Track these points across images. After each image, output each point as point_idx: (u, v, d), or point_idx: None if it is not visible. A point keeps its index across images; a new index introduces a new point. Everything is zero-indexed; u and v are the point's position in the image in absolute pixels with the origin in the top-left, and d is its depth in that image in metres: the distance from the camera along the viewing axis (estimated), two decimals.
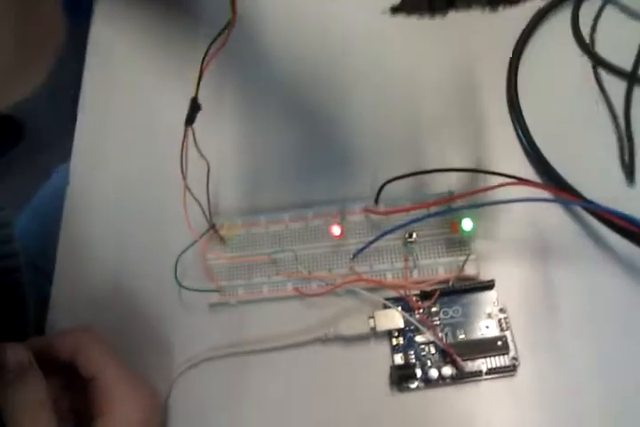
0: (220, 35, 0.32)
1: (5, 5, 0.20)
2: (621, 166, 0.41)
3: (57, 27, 0.23)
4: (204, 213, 0.40)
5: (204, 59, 0.33)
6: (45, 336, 0.41)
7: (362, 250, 0.40)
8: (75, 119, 0.49)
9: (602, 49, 0.44)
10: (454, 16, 0.39)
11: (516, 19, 0.44)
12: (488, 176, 0.40)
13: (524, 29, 0.44)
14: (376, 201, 0.41)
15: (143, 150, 0.47)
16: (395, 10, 0.32)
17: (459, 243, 0.40)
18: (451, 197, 0.40)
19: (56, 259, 0.45)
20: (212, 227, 0.42)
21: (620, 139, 0.41)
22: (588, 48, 0.44)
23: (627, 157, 0.40)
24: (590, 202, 0.38)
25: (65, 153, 0.48)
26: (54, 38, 0.23)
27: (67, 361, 0.36)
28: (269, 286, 0.41)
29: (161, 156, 0.45)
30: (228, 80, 0.48)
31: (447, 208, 0.39)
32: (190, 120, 0.36)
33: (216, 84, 0.45)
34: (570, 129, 0.43)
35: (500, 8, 0.31)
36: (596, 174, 0.40)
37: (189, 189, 0.38)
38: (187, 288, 0.41)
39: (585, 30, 0.44)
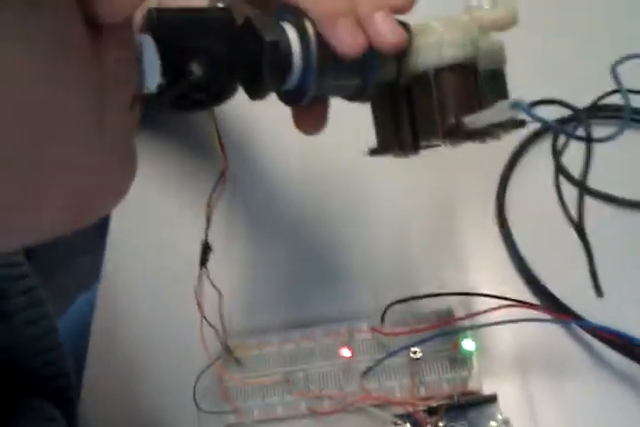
0: (218, 181, 0.36)
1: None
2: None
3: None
4: (219, 337, 0.44)
5: (209, 204, 0.37)
6: None
7: (371, 369, 0.43)
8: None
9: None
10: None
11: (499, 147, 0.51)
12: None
13: (510, 158, 0.50)
14: (382, 321, 0.45)
15: (162, 282, 0.51)
16: (373, 152, 0.35)
17: (461, 360, 0.43)
18: (452, 317, 0.44)
19: (83, 375, 0.47)
20: (227, 349, 0.45)
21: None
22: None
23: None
24: (584, 320, 0.42)
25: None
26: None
27: None
28: (283, 405, 0.43)
29: (177, 286, 0.48)
30: (235, 217, 0.53)
31: (450, 329, 0.43)
32: (203, 262, 0.40)
33: (225, 219, 0.51)
34: (553, 249, 0.47)
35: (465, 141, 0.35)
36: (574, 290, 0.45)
37: (205, 318, 0.42)
38: (205, 411, 0.43)
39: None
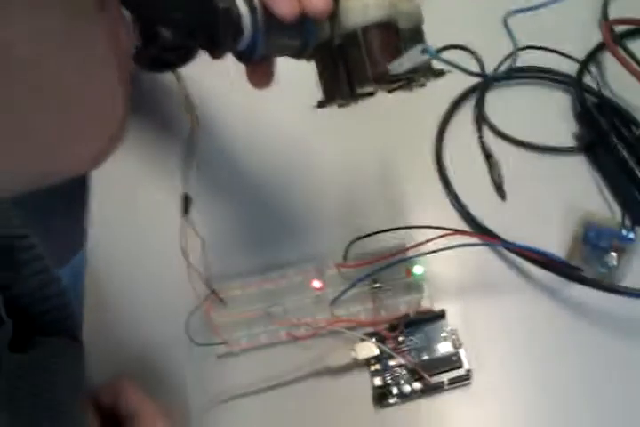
0: (190, 137, 0.43)
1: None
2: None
3: None
4: (204, 280, 0.51)
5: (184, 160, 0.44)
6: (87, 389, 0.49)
7: (338, 297, 0.50)
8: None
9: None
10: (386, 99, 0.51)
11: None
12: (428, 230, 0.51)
13: (447, 110, 0.58)
14: (344, 258, 0.52)
15: (148, 237, 0.57)
16: (320, 103, 0.41)
17: (414, 284, 0.51)
18: (403, 248, 0.51)
19: (83, 319, 0.53)
20: (213, 291, 0.52)
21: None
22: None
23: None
24: (509, 242, 0.50)
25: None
26: None
27: (108, 405, 0.44)
28: (266, 334, 0.51)
29: (162, 238, 0.55)
30: (210, 170, 0.59)
31: (401, 258, 0.50)
32: (185, 210, 0.47)
33: (202, 174, 0.57)
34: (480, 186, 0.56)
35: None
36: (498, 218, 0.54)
37: (192, 265, 0.49)
38: (198, 344, 0.50)
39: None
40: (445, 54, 0.35)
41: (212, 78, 0.38)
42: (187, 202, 0.47)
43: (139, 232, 0.57)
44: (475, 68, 0.42)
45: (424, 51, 0.31)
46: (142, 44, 0.31)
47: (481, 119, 0.54)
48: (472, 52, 0.35)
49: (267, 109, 0.51)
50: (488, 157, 0.50)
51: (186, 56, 0.33)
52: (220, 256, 0.54)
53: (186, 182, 0.45)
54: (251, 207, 0.57)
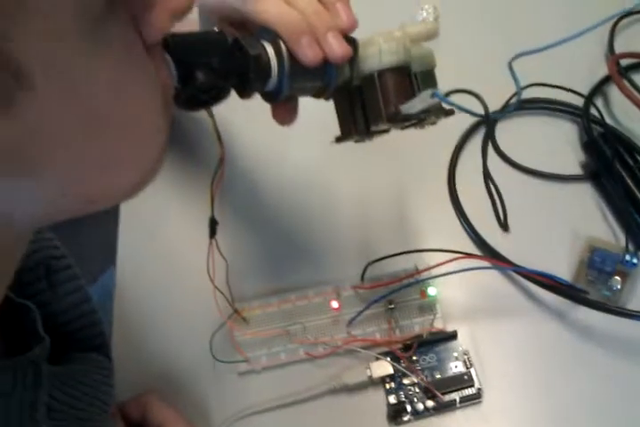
0: (218, 166, 0.46)
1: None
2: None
3: None
4: (227, 301, 0.53)
5: (211, 187, 0.47)
6: (117, 403, 0.51)
7: (355, 318, 0.53)
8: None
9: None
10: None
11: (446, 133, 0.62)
12: (441, 253, 0.54)
13: (459, 140, 0.61)
14: (362, 279, 0.55)
15: (175, 258, 0.60)
16: (338, 139, 0.44)
17: (427, 306, 0.53)
18: (417, 271, 0.54)
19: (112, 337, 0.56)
20: (236, 311, 0.55)
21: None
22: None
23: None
24: (518, 266, 0.53)
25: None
26: None
27: (136, 419, 0.47)
28: (285, 353, 0.53)
29: (188, 260, 0.58)
30: (235, 198, 0.62)
31: (415, 280, 0.53)
32: (212, 233, 0.50)
33: (227, 201, 0.61)
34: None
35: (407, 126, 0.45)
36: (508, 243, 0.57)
37: (217, 287, 0.52)
38: (221, 361, 0.53)
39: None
40: (454, 97, 0.37)
41: (239, 113, 0.41)
42: (213, 225, 0.49)
43: (166, 254, 0.60)
44: (481, 109, 0.46)
45: (433, 95, 0.34)
46: (180, 85, 0.34)
47: (486, 157, 0.58)
48: (478, 97, 0.38)
49: (288, 142, 0.54)
50: (491, 194, 0.54)
51: (218, 96, 0.37)
52: (242, 278, 0.57)
53: (212, 208, 0.48)
54: (272, 232, 0.60)
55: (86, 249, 0.66)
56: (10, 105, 0.22)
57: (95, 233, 0.63)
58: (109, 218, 0.61)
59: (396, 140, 0.42)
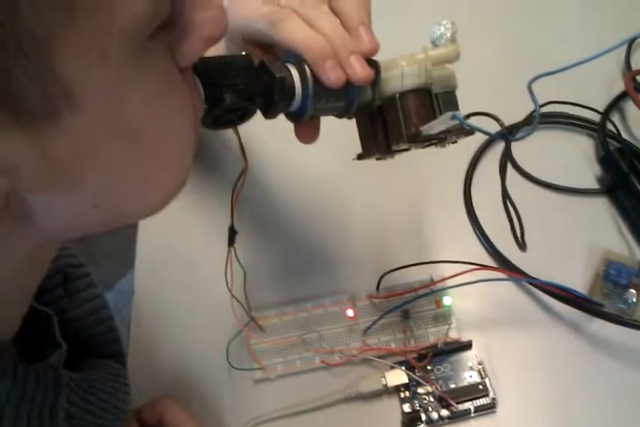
0: (239, 178, 0.47)
1: None
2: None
3: None
4: (244, 309, 0.55)
5: (232, 197, 0.49)
6: (133, 408, 0.52)
7: (370, 327, 0.55)
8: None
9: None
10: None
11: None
12: (456, 265, 0.56)
13: (474, 155, 0.63)
14: (377, 289, 0.57)
15: (193, 267, 0.62)
16: (359, 157, 0.46)
17: (442, 316, 0.55)
18: (432, 282, 0.56)
19: (129, 344, 0.58)
20: (252, 319, 0.56)
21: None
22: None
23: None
24: (533, 278, 0.54)
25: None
26: None
27: (152, 424, 0.49)
28: (301, 361, 0.55)
29: (206, 268, 0.59)
30: (254, 208, 0.64)
31: (430, 291, 0.55)
32: (231, 242, 0.51)
33: (246, 212, 0.62)
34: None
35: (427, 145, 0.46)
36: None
37: (234, 296, 0.53)
38: (237, 368, 0.55)
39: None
40: (473, 117, 0.39)
41: (260, 126, 0.43)
42: (232, 234, 0.51)
43: (184, 263, 0.62)
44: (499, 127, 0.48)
45: (453, 117, 0.36)
46: (208, 106, 0.36)
47: (505, 172, 0.59)
48: (497, 120, 0.40)
49: (305, 154, 0.55)
50: (508, 212, 0.55)
51: (244, 116, 0.38)
52: (259, 286, 0.58)
53: (232, 217, 0.50)
54: (290, 242, 0.62)
55: (103, 255, 0.67)
56: (57, 119, 0.24)
57: (112, 240, 0.65)
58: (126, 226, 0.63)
59: (413, 152, 0.44)
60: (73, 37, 0.23)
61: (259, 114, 0.40)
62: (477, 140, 0.63)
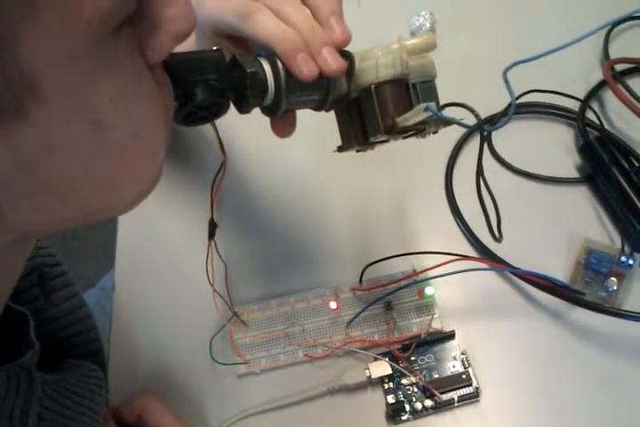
0: (219, 171, 0.50)
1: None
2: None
3: None
4: (227, 304, 0.57)
5: (211, 191, 0.51)
6: (112, 406, 0.54)
7: (353, 319, 0.57)
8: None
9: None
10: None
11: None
12: (439, 255, 0.58)
13: (455, 146, 0.66)
14: (360, 281, 0.59)
15: (174, 262, 0.64)
16: (339, 149, 0.47)
17: (425, 306, 0.58)
18: (414, 272, 0.58)
19: (110, 341, 0.60)
20: (235, 313, 0.59)
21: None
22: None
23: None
24: (515, 268, 0.57)
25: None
26: None
27: (131, 422, 0.50)
28: (285, 355, 0.57)
29: (187, 263, 0.61)
30: (234, 202, 0.66)
31: (412, 281, 0.57)
32: (212, 235, 0.54)
33: (226, 206, 0.65)
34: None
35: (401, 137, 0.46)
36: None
37: (216, 291, 0.55)
38: (221, 363, 0.57)
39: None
40: (449, 109, 0.41)
41: (238, 120, 0.45)
42: (213, 227, 0.53)
43: (165, 257, 0.64)
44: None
45: (427, 108, 0.38)
46: (179, 103, 0.37)
47: (481, 162, 0.62)
48: (472, 110, 0.43)
49: (286, 146, 0.57)
50: (483, 204, 0.58)
51: (217, 112, 0.40)
52: (241, 281, 0.61)
53: (212, 210, 0.52)
54: (271, 236, 0.64)
55: (84, 252, 0.69)
56: (22, 113, 0.25)
57: (93, 236, 0.67)
58: (107, 221, 0.65)
59: (394, 143, 0.45)
60: (36, 30, 0.23)
61: (235, 108, 0.42)
62: (458, 130, 0.66)
